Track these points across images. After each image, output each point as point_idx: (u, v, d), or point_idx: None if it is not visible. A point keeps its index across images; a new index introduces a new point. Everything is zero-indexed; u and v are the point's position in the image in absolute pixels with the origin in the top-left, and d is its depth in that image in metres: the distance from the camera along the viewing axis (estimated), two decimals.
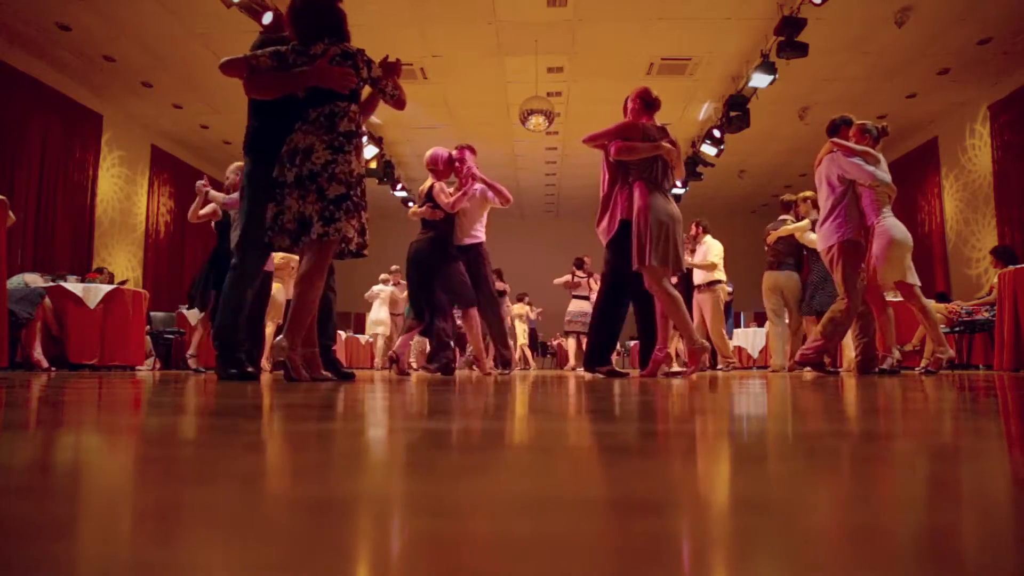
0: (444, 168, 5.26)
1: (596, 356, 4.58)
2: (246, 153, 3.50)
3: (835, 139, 4.79)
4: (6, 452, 0.76)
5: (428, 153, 5.38)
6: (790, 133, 11.36)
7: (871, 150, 4.68)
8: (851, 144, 4.70)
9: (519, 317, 12.21)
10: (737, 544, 0.37)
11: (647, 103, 4.53)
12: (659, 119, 4.67)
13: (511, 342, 11.45)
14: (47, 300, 6.27)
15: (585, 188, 15.57)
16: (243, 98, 3.52)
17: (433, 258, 5.08)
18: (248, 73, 3.17)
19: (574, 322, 9.94)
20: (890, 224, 4.72)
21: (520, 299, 12.78)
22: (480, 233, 5.33)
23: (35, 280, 6.36)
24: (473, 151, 5.40)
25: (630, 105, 4.61)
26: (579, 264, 10.10)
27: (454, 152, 5.31)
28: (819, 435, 0.96)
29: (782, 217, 6.85)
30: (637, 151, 4.29)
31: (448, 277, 5.07)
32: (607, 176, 4.55)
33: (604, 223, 4.56)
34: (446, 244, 5.14)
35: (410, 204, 11.64)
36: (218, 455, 0.74)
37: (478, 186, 5.20)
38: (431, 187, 5.21)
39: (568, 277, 10.05)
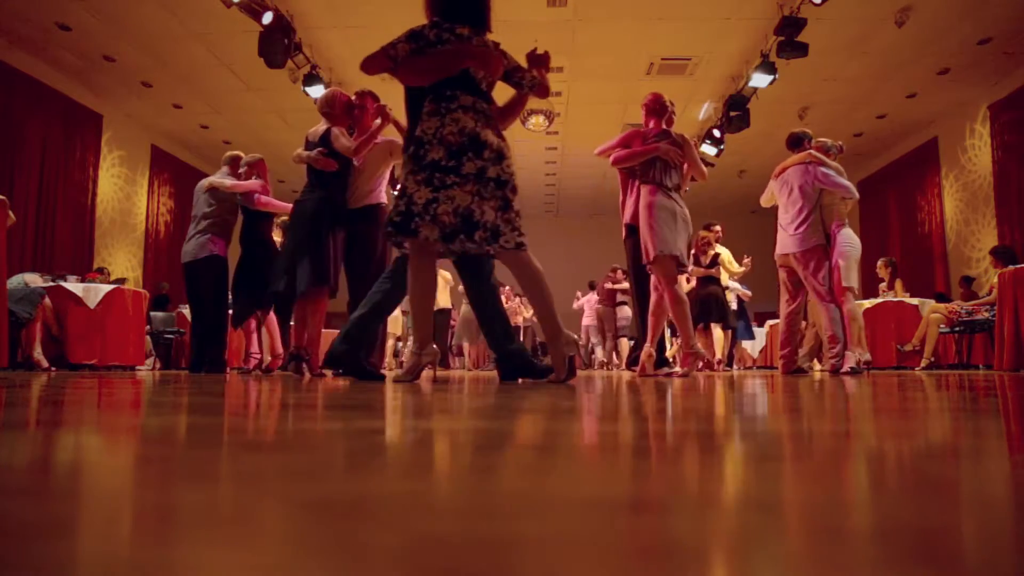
0: (340, 113, 4.51)
1: (657, 358, 4.77)
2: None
3: (814, 152, 5.15)
4: (6, 452, 0.76)
5: (325, 92, 4.72)
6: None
7: (839, 165, 5.12)
8: (827, 159, 5.11)
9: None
10: (737, 544, 0.37)
11: (651, 109, 4.74)
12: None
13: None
14: (47, 300, 6.27)
15: (585, 188, 15.58)
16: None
17: (319, 222, 4.30)
18: (391, 64, 2.97)
19: (629, 326, 10.61)
20: (849, 233, 5.13)
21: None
22: (381, 194, 4.57)
23: (35, 280, 6.36)
24: (376, 98, 4.61)
25: (643, 112, 4.84)
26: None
27: (353, 97, 4.59)
28: (819, 435, 0.96)
29: None
30: (634, 157, 4.51)
31: (320, 251, 4.29)
32: (621, 185, 4.92)
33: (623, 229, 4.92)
34: (336, 208, 4.40)
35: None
36: (220, 454, 0.74)
37: (382, 138, 4.46)
38: (327, 131, 4.43)
39: (627, 285, 10.46)
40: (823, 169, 5.02)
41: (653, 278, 4.53)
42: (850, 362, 4.92)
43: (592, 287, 12.17)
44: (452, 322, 11.18)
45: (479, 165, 2.84)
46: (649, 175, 4.46)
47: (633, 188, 4.75)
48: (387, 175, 4.65)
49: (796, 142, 5.29)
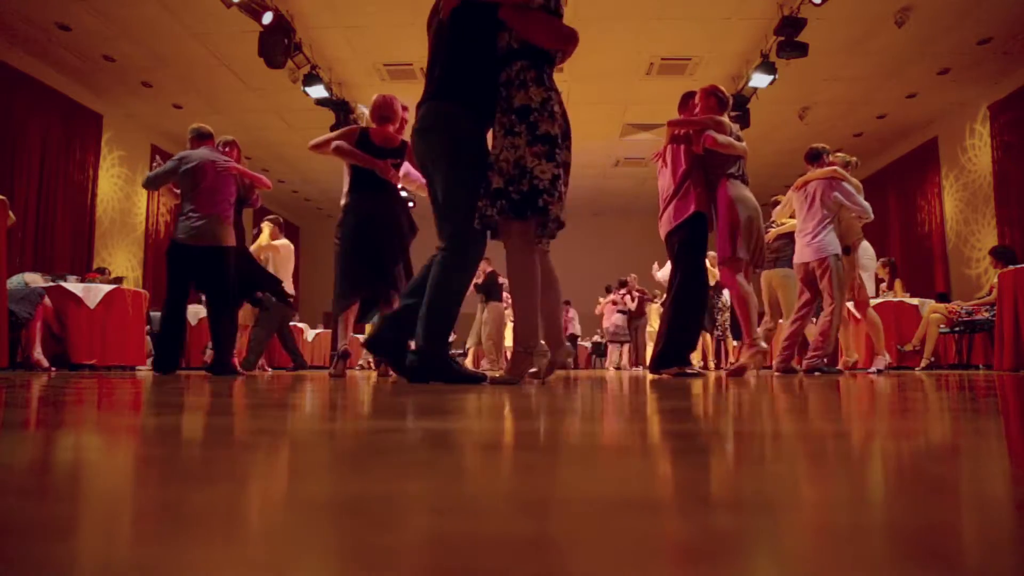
0: (396, 121, 4.30)
1: (673, 355, 4.28)
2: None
3: (840, 170, 5.32)
4: (6, 452, 0.76)
5: (379, 97, 4.37)
6: (790, 133, 11.36)
7: (858, 182, 5.35)
8: (851, 178, 5.34)
9: None
10: (737, 544, 0.37)
11: (721, 100, 4.60)
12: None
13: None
14: (47, 300, 6.27)
15: (583, 188, 15.56)
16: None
17: (402, 226, 4.24)
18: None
19: (619, 332, 11.68)
20: (865, 246, 5.47)
21: None
22: None
23: (35, 280, 6.36)
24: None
25: (701, 103, 4.58)
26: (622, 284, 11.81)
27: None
28: (820, 435, 0.96)
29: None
30: (734, 148, 4.33)
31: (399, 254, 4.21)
32: (684, 167, 4.44)
33: (669, 213, 4.43)
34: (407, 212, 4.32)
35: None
36: (219, 455, 0.74)
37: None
38: (404, 143, 4.17)
39: (635, 306, 11.68)
40: (846, 185, 5.21)
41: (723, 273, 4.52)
42: (880, 364, 5.46)
43: (608, 290, 12.38)
44: None
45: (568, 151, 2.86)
46: (738, 170, 4.45)
47: (699, 177, 4.42)
48: None
49: (816, 156, 5.46)
